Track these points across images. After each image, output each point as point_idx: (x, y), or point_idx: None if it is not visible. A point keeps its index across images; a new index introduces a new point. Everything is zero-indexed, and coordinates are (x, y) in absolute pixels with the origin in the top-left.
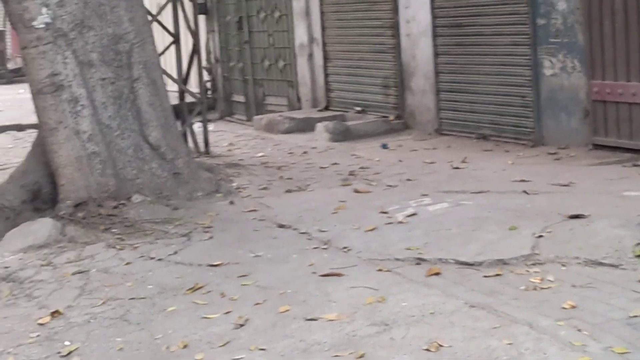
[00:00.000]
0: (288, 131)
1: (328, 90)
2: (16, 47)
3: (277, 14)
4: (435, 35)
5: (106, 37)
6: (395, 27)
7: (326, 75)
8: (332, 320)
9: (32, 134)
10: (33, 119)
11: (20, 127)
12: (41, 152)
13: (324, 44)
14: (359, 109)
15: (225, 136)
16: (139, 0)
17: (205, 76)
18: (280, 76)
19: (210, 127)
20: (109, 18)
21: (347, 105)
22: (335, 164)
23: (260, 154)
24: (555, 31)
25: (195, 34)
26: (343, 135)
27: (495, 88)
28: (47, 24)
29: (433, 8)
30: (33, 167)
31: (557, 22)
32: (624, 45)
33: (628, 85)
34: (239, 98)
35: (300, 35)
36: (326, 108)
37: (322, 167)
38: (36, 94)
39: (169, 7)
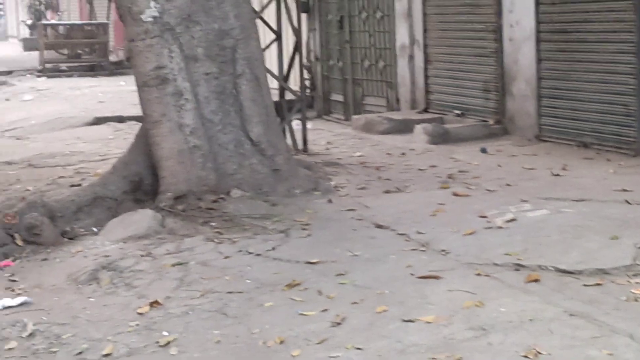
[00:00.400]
0: (386, 132)
1: (427, 92)
2: (118, 40)
3: (379, 15)
4: (538, 41)
5: (212, 32)
6: (498, 31)
7: (426, 77)
8: (430, 322)
9: (132, 126)
10: (133, 111)
11: (120, 119)
12: (144, 144)
13: (425, 46)
14: (458, 112)
15: (323, 134)
16: None
17: (305, 74)
18: (380, 77)
19: (308, 125)
20: (215, 13)
21: (446, 107)
22: (434, 166)
23: (358, 154)
24: None
25: (298, 32)
26: (442, 138)
27: (598, 96)
28: (154, 17)
29: (538, 13)
30: (135, 158)
31: None
32: None
33: None
34: (337, 97)
35: (402, 36)
36: (425, 110)
37: (420, 169)
38: (141, 87)
39: (272, 4)
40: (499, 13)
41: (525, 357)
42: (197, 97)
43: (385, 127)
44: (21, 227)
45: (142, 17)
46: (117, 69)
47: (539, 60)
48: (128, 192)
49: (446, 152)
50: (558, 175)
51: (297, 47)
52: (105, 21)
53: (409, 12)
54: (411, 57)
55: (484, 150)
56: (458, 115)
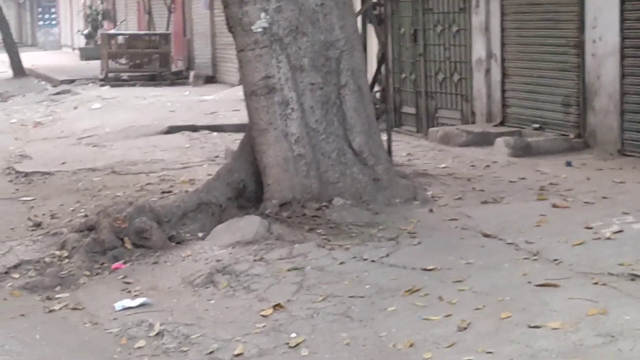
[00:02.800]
0: (465, 144)
1: (504, 105)
2: (177, 50)
3: (454, 28)
4: (623, 56)
5: (318, 43)
6: (580, 46)
7: (503, 90)
8: (556, 328)
9: (206, 135)
10: (206, 120)
11: (194, 128)
12: (248, 152)
13: (503, 60)
14: (536, 125)
15: (400, 146)
16: (350, 8)
17: (376, 87)
18: (454, 90)
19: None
20: (321, 25)
21: (522, 121)
22: (523, 178)
23: (442, 165)
24: None
25: (384, 45)
26: (523, 151)
27: None
28: (264, 28)
29: (622, 29)
30: (239, 165)
31: None
32: None
33: None
34: (408, 110)
35: (478, 50)
36: (501, 123)
37: (510, 181)
38: (249, 96)
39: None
40: (581, 28)
41: None
42: (303, 106)
43: (464, 140)
44: (130, 231)
45: (253, 27)
46: (177, 79)
47: (623, 76)
48: (232, 198)
49: (530, 165)
50: None
51: (382, 60)
52: (167, 32)
53: (486, 27)
54: (488, 71)
55: (569, 164)
56: (536, 129)
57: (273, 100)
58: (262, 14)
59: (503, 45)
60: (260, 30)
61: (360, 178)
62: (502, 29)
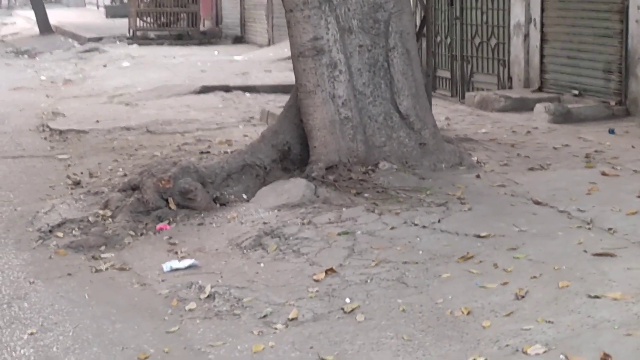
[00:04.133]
0: (503, 110)
1: (542, 71)
2: (205, 10)
3: None
4: None
5: (367, 4)
6: (623, 12)
7: (542, 56)
8: (617, 299)
9: (239, 96)
10: (238, 81)
11: (227, 88)
12: (293, 114)
13: (542, 25)
14: (576, 92)
15: (437, 110)
16: None
17: None
18: (491, 54)
19: None
20: None
21: (561, 87)
22: (567, 145)
23: (483, 131)
24: None
25: (428, 8)
26: (563, 117)
27: None
28: None
29: None
30: (285, 127)
31: None
32: None
33: None
34: (443, 74)
35: (517, 14)
36: (539, 89)
37: (554, 148)
38: (297, 57)
39: None
40: None
41: None
42: (350, 69)
43: (502, 105)
44: (175, 192)
45: None
46: (205, 39)
47: None
48: (277, 160)
49: (571, 131)
50: None
51: (424, 22)
52: None
53: None
54: (526, 36)
55: (611, 131)
56: (575, 95)
57: (321, 62)
58: None
59: (543, 10)
60: None
61: (406, 142)
62: None
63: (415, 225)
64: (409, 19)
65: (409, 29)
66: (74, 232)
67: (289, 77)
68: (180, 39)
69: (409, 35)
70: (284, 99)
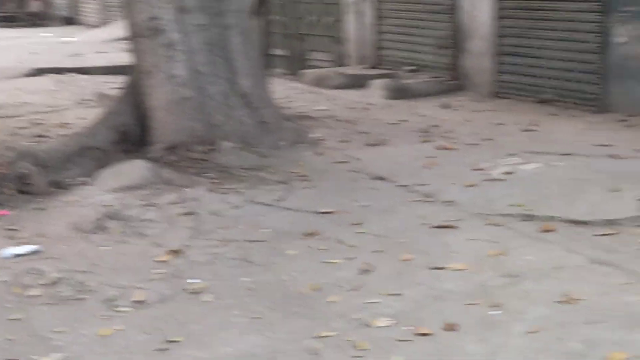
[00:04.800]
0: (339, 87)
1: (377, 48)
2: None
3: None
4: None
5: None
6: None
7: (376, 33)
8: (460, 270)
9: (73, 77)
10: (71, 62)
11: (60, 70)
12: (132, 95)
13: (377, 2)
14: (410, 67)
15: (274, 88)
16: None
17: None
18: (326, 32)
19: None
20: None
21: (396, 64)
22: (403, 120)
23: (321, 108)
24: None
25: None
26: (399, 93)
27: (560, 53)
28: None
29: None
30: (124, 109)
31: None
32: None
33: None
34: (279, 52)
35: None
36: (374, 66)
37: (392, 123)
38: (134, 37)
39: None
40: None
41: (563, 302)
42: (188, 48)
43: (339, 82)
44: (12, 177)
45: None
46: (35, 20)
47: (497, 18)
48: (116, 142)
49: (408, 107)
50: (530, 130)
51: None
52: None
53: None
54: (360, 13)
55: (446, 106)
56: (410, 71)
57: (158, 42)
58: None
59: None
60: None
61: (246, 121)
62: None
63: (259, 203)
64: None
65: (246, 8)
66: None
67: (123, 58)
68: (9, 21)
69: (246, 14)
70: (119, 80)
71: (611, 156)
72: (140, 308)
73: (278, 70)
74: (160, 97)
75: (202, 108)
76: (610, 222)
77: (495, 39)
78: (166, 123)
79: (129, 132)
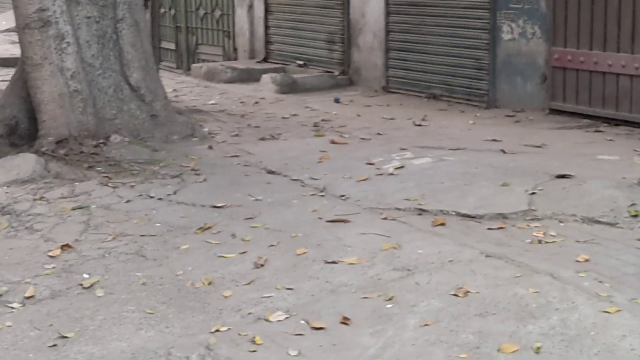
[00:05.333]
0: (229, 81)
1: (268, 42)
2: None
3: None
4: None
5: None
6: None
7: (266, 27)
8: (353, 263)
9: None
10: None
11: None
12: (20, 88)
13: None
14: (301, 62)
15: (164, 82)
16: None
17: None
18: (216, 26)
19: None
20: None
21: (287, 58)
22: (295, 115)
23: (212, 102)
24: None
25: None
26: (290, 87)
27: (449, 49)
28: None
29: None
30: (12, 101)
31: None
32: (588, 14)
33: (590, 53)
34: (168, 45)
35: None
36: (264, 60)
37: (283, 118)
38: (22, 29)
39: None
40: None
41: (455, 295)
42: (79, 40)
43: (229, 76)
44: None
45: None
46: None
47: (388, 14)
48: (4, 135)
49: (298, 101)
50: (421, 125)
51: None
52: None
53: None
54: (250, 7)
55: (337, 101)
56: (300, 65)
57: (48, 34)
58: None
59: None
60: None
61: (137, 114)
62: None
63: (151, 197)
64: None
65: (137, 0)
66: None
67: (9, 50)
68: None
69: (137, 6)
70: (5, 73)
71: (503, 151)
72: (31, 304)
73: (168, 64)
74: (49, 90)
75: (92, 101)
76: (500, 216)
77: (385, 34)
78: (56, 116)
79: (18, 125)
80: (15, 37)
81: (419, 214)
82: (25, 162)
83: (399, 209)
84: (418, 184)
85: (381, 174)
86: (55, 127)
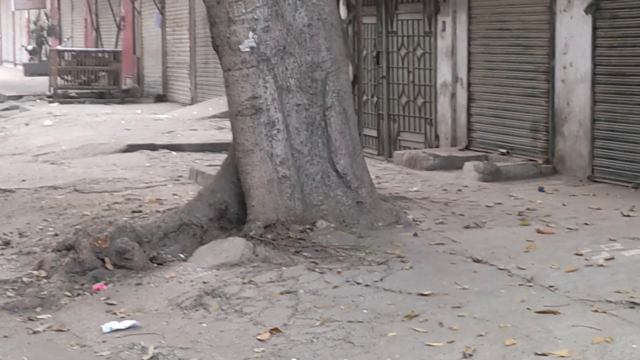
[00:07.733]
0: (431, 168)
1: (470, 130)
2: (127, 68)
3: (419, 52)
4: (594, 83)
5: (304, 64)
6: (549, 72)
7: (469, 114)
8: (564, 357)
9: (166, 154)
10: (164, 139)
11: (153, 147)
12: (230, 173)
13: (469, 84)
14: (503, 150)
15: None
16: (337, 29)
17: None
18: (418, 113)
19: None
20: (308, 46)
21: (489, 146)
22: (499, 203)
23: (414, 189)
24: None
25: (358, 68)
26: (492, 175)
27: None
28: (252, 48)
29: (594, 56)
30: (222, 186)
31: None
32: None
33: None
34: (370, 132)
35: (444, 74)
36: (466, 148)
37: (487, 206)
38: (235, 115)
39: None
40: (551, 54)
41: None
42: (288, 127)
43: (431, 164)
44: (111, 252)
45: (240, 47)
46: (127, 97)
47: (594, 102)
48: (214, 219)
49: (501, 190)
50: (629, 215)
51: (354, 81)
52: (117, 49)
53: (452, 51)
54: (453, 95)
55: (541, 189)
56: (503, 154)
57: (259, 121)
58: (250, 34)
59: (469, 69)
60: (247, 49)
61: (343, 201)
62: (469, 53)
63: (358, 284)
64: (346, 78)
65: (346, 88)
66: (7, 293)
67: (214, 136)
68: (102, 98)
69: (345, 94)
70: (211, 157)
71: None
72: None
73: (369, 151)
74: (259, 176)
75: (300, 187)
76: None
77: (591, 122)
78: (264, 201)
79: (227, 210)
80: (221, 123)
81: (631, 307)
82: (234, 246)
83: (610, 302)
84: (629, 276)
85: (590, 265)
86: (264, 212)
